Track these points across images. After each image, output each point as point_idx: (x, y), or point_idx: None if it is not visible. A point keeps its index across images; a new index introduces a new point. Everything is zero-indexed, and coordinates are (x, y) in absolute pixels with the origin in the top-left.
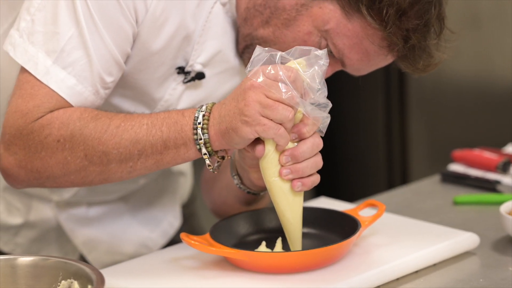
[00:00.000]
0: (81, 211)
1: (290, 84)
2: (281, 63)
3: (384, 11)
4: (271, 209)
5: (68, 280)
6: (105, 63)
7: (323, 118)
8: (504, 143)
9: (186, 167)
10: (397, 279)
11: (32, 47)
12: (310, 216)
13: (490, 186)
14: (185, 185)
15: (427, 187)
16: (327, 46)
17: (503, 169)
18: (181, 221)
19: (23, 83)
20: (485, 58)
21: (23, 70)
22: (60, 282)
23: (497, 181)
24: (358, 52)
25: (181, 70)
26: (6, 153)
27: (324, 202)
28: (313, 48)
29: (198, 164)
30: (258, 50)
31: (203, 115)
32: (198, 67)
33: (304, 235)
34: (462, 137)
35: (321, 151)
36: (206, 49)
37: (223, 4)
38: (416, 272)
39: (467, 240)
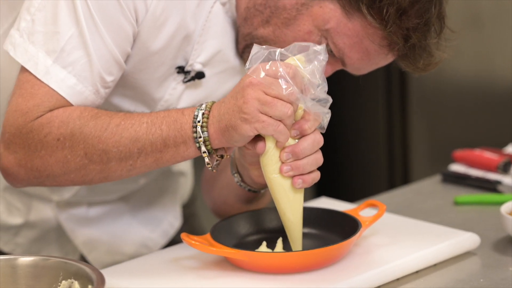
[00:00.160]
0: (81, 211)
1: (290, 80)
2: (280, 60)
3: (385, 10)
4: (272, 209)
5: (69, 280)
6: (105, 63)
7: (324, 114)
8: (505, 143)
9: (186, 167)
10: (398, 279)
11: (32, 47)
12: (311, 216)
13: (491, 186)
14: (185, 185)
15: (427, 187)
16: (327, 45)
17: (504, 169)
18: (182, 221)
19: (23, 82)
20: (486, 58)
21: (23, 69)
22: (60, 282)
23: (497, 181)
24: (358, 51)
25: (181, 69)
26: (6, 152)
27: (325, 202)
28: (311, 43)
29: (199, 164)
30: (256, 48)
31: (203, 114)
32: (198, 67)
33: (305, 235)
34: (463, 137)
35: (322, 151)
36: (206, 49)
37: (223, 4)
38: (417, 272)
39: (467, 240)
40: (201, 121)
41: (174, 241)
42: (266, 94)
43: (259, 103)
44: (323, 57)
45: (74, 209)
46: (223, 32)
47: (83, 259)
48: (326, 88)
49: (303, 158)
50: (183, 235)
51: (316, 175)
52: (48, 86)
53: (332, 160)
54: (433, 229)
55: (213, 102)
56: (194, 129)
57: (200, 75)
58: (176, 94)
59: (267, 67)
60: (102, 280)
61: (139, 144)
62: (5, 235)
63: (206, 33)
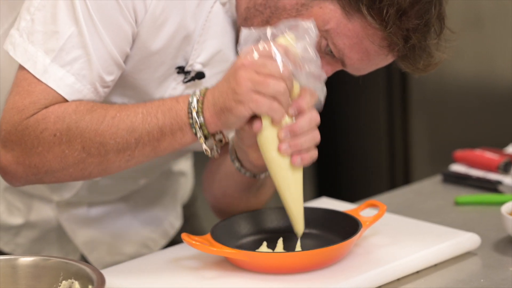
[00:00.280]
0: (81, 211)
1: (283, 58)
2: (272, 39)
3: (385, 11)
4: (272, 210)
5: (69, 280)
6: (104, 62)
7: (320, 89)
8: (506, 144)
9: (187, 168)
10: (398, 279)
11: (31, 47)
12: (311, 216)
13: (492, 187)
14: (186, 185)
15: (428, 188)
16: (327, 46)
17: (505, 169)
18: (182, 221)
19: (20, 80)
20: (487, 59)
21: (21, 68)
22: (61, 282)
23: (498, 181)
24: (358, 52)
25: (181, 69)
26: (3, 150)
27: (325, 203)
28: (300, 20)
29: (199, 165)
30: (245, 30)
31: (197, 99)
32: (198, 67)
33: (305, 235)
34: (463, 137)
35: (323, 152)
36: (206, 49)
37: (223, 4)
38: (417, 272)
39: (468, 240)
40: (196, 107)
41: (175, 241)
42: (258, 73)
43: (252, 83)
44: (313, 32)
45: (74, 209)
46: (223, 32)
47: (83, 259)
48: (319, 63)
49: (300, 135)
50: (184, 235)
51: (314, 153)
52: (46, 84)
53: (333, 160)
54: (433, 229)
55: (207, 88)
56: (190, 115)
57: (200, 75)
58: (176, 94)
59: (260, 47)
60: (102, 280)
61: (136, 134)
62: (6, 235)
63: (206, 33)
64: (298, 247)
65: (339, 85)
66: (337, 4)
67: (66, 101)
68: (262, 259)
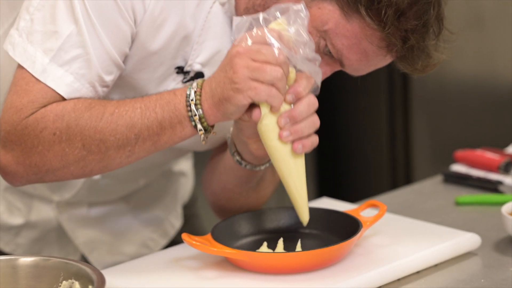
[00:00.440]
0: (82, 211)
1: (277, 43)
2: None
3: (383, 12)
4: (272, 210)
5: (69, 280)
6: (103, 62)
7: (316, 73)
8: (506, 144)
9: (187, 168)
10: (399, 279)
11: (31, 46)
12: (312, 216)
13: (492, 187)
14: (186, 185)
15: (429, 188)
16: (326, 46)
17: (505, 169)
18: (182, 222)
19: (19, 79)
20: (488, 59)
21: (20, 67)
22: (61, 282)
23: (499, 181)
24: (357, 53)
25: (180, 70)
26: (3, 150)
27: (326, 203)
28: (290, 4)
29: (199, 165)
30: (237, 18)
31: (195, 92)
32: (197, 67)
33: (306, 235)
34: (464, 137)
35: (324, 152)
36: (205, 49)
37: (222, 4)
38: (418, 272)
39: (468, 240)
40: (194, 99)
41: (175, 241)
42: (254, 60)
43: (249, 70)
44: (304, 14)
45: (74, 209)
46: (222, 32)
47: (83, 259)
48: (313, 47)
49: (300, 121)
50: (184, 236)
51: (315, 139)
52: (44, 83)
53: (334, 160)
54: (434, 229)
55: (203, 80)
56: (188, 108)
57: (199, 75)
58: None
59: (253, 33)
60: (102, 280)
61: (135, 130)
62: (6, 236)
63: (205, 33)
64: (298, 247)
65: (340, 85)
66: (336, 5)
67: (65, 100)
68: (262, 259)
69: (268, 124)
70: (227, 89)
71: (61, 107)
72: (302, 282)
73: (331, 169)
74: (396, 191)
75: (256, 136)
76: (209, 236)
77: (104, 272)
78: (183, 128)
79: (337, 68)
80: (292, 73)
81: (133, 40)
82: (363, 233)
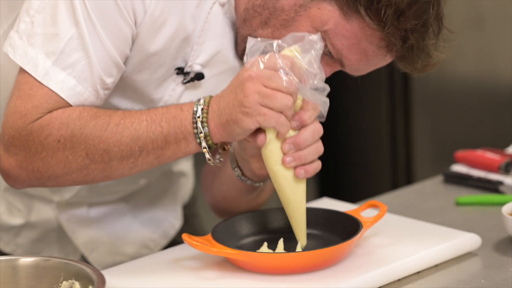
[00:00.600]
0: (82, 211)
1: (289, 71)
2: (277, 51)
3: (382, 12)
4: (273, 210)
5: (69, 280)
6: (104, 64)
7: (323, 103)
8: (507, 144)
9: (187, 168)
10: (399, 279)
11: (31, 49)
12: (312, 217)
13: (493, 187)
14: (186, 185)
15: (429, 188)
16: (325, 46)
17: (506, 169)
18: (182, 222)
19: (22, 84)
20: (489, 59)
21: (22, 71)
22: (61, 282)
23: (499, 181)
24: (356, 53)
25: (180, 70)
26: (6, 154)
27: (326, 203)
28: (306, 33)
29: (199, 165)
30: (252, 40)
31: (202, 109)
32: (197, 68)
33: (306, 235)
34: (465, 137)
35: (324, 152)
36: (205, 50)
37: (222, 5)
38: (418, 272)
39: (469, 241)
40: (201, 117)
41: (175, 241)
42: (266, 86)
43: (260, 96)
44: (319, 46)
45: (74, 209)
46: (222, 33)
47: (84, 259)
48: (324, 77)
49: (304, 148)
50: (184, 236)
51: (318, 165)
52: (47, 87)
53: (334, 161)
54: (434, 230)
55: (211, 97)
56: (195, 125)
57: (199, 76)
58: (175, 95)
59: (265, 59)
60: (102, 280)
61: (140, 142)
62: (6, 236)
63: (205, 34)
64: (299, 247)
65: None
66: (335, 5)
67: (68, 104)
68: (262, 259)
69: (273, 149)
70: (236, 112)
71: (67, 114)
72: (303, 283)
73: (332, 169)
74: (397, 191)
75: (259, 156)
76: (209, 236)
77: (104, 272)
78: (188, 144)
79: (337, 68)
80: (299, 100)
81: (133, 41)
82: (364, 233)
